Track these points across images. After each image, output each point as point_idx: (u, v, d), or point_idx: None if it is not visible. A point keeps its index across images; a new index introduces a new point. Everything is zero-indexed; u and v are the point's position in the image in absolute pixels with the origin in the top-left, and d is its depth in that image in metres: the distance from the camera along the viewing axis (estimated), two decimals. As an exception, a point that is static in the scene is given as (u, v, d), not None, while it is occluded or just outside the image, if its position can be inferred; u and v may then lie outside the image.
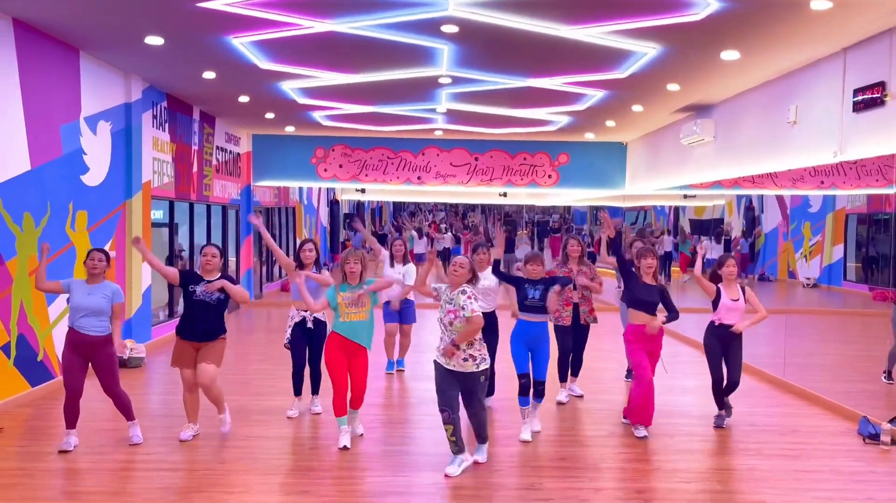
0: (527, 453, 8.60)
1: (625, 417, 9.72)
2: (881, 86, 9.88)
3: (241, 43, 11.23)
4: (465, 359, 7.72)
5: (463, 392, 7.87)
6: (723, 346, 9.56)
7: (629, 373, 11.67)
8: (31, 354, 10.69)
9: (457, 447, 7.86)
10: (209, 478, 7.65)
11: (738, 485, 7.82)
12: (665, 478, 7.92)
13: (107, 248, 12.74)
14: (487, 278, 9.73)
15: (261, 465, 8.02)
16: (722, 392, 9.67)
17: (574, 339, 10.77)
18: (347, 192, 34.65)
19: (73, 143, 11.82)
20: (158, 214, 15.68)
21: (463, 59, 12.10)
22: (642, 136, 20.44)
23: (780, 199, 31.43)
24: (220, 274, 8.73)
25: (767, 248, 32.70)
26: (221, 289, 8.58)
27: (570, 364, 11.00)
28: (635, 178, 21.34)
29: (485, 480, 7.69)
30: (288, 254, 12.88)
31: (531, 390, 9.08)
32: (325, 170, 21.67)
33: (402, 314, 12.39)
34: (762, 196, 31.82)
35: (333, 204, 35.17)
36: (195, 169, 17.22)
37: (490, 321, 9.66)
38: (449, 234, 35.25)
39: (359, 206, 44.60)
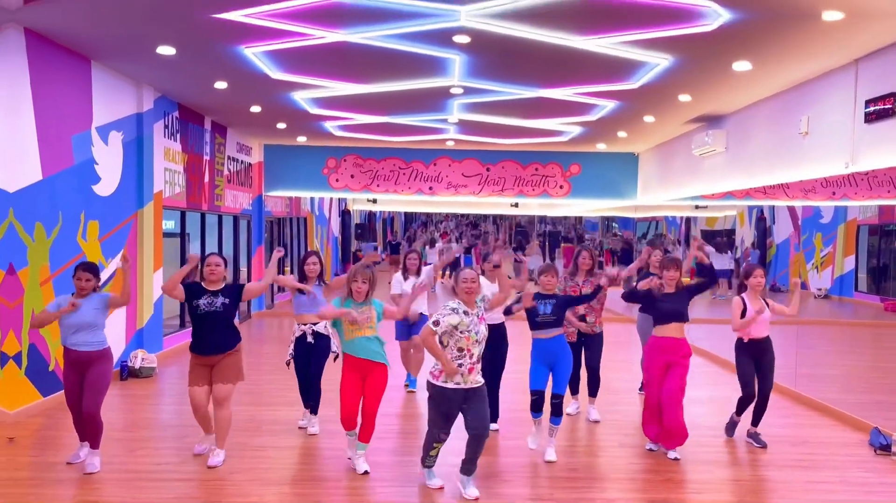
0: (537, 464, 8.58)
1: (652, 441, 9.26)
2: (893, 96, 9.86)
3: (253, 53, 11.25)
4: (476, 371, 7.47)
5: (471, 410, 7.43)
6: (755, 362, 9.35)
7: (643, 386, 11.51)
8: (43, 364, 10.71)
9: (433, 462, 7.76)
10: (221, 488, 7.66)
11: (750, 497, 7.79)
12: (676, 489, 7.90)
13: (118, 258, 12.75)
14: (493, 287, 9.31)
15: (272, 475, 8.03)
16: (748, 404, 9.49)
17: (588, 352, 10.39)
18: (359, 203, 34.74)
19: (85, 152, 11.85)
20: (170, 224, 15.71)
21: (475, 70, 12.12)
22: (654, 146, 20.43)
23: (791, 209, 31.36)
24: (224, 284, 8.43)
25: (779, 258, 32.61)
26: (226, 289, 8.39)
27: (588, 382, 10.59)
28: (647, 188, 21.32)
29: (496, 490, 7.68)
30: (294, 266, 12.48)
31: (545, 406, 8.80)
32: (337, 180, 21.70)
33: (416, 328, 11.62)
34: (773, 207, 31.75)
35: (345, 214, 35.22)
36: (207, 179, 17.25)
37: (499, 333, 9.51)
38: (459, 244, 35.25)
39: (370, 216, 44.66)
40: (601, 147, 20.93)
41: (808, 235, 30.61)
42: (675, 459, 8.80)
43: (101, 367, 8.07)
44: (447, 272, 17.27)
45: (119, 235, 12.94)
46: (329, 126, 17.99)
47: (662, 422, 8.88)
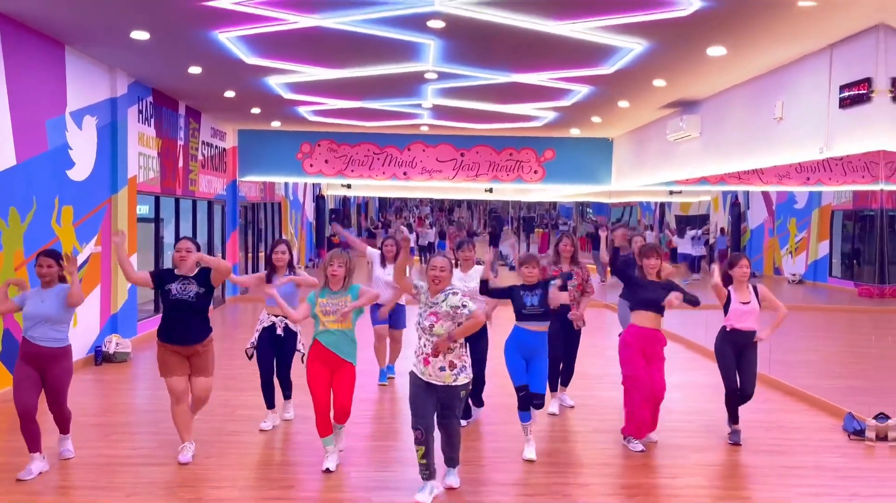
0: (513, 449, 8.55)
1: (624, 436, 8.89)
2: (867, 82, 9.91)
3: (227, 38, 11.19)
4: (442, 369, 6.97)
5: (439, 407, 7.15)
6: (736, 354, 8.94)
7: (624, 380, 10.96)
8: (18, 349, 10.59)
9: (427, 472, 7.08)
10: (196, 472, 7.64)
11: (724, 481, 7.85)
12: (650, 474, 7.95)
13: (92, 242, 12.71)
14: (473, 279, 9.12)
15: (247, 460, 8.03)
16: (736, 404, 9.01)
17: (564, 345, 10.11)
18: (333, 188, 34.66)
19: (59, 137, 11.77)
20: (144, 209, 15.62)
21: (449, 55, 12.10)
22: (628, 131, 20.47)
23: (765, 195, 31.54)
24: (198, 269, 7.91)
25: (753, 244, 32.79)
26: (199, 275, 7.84)
27: (562, 371, 10.34)
28: (621, 173, 21.37)
29: (471, 475, 7.68)
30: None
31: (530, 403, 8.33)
32: (311, 165, 21.63)
33: (392, 319, 11.38)
34: (748, 192, 31.91)
35: (319, 199, 35.13)
36: (181, 164, 17.17)
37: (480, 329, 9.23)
38: (433, 229, 35.28)
39: (344, 201, 44.56)
40: (575, 132, 20.94)
41: (782, 220, 30.81)
42: (654, 442, 8.84)
43: (63, 365, 7.59)
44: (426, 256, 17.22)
45: (93, 220, 12.85)
46: (303, 111, 17.93)
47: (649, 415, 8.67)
